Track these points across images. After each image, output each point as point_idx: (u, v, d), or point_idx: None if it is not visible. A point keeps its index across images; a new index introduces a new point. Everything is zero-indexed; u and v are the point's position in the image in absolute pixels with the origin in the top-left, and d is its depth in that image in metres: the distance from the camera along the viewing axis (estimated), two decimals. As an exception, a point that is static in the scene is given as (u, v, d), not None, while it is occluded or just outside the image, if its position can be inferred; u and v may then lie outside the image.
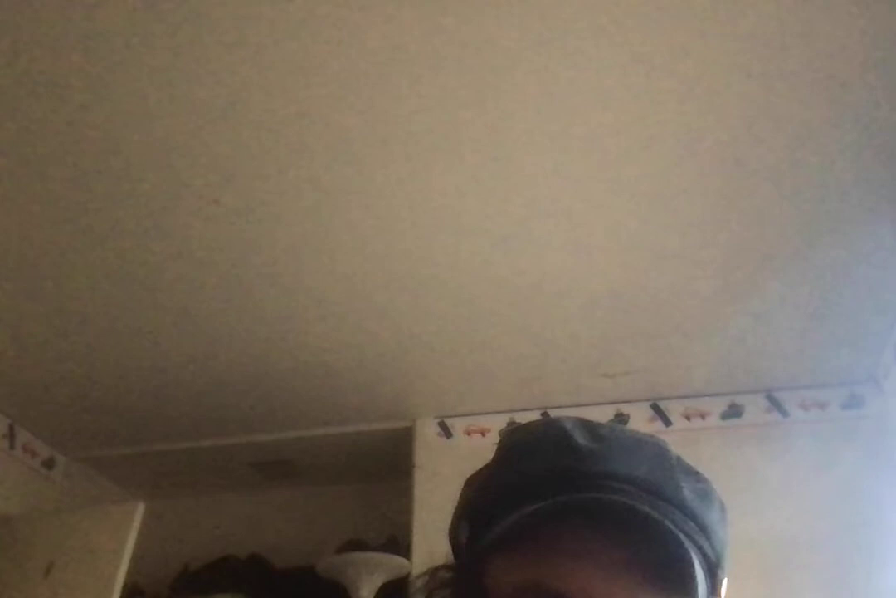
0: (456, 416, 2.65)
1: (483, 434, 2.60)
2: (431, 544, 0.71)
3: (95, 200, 1.84)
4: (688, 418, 2.54)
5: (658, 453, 0.59)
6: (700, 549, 0.55)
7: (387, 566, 2.40)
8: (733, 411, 2.52)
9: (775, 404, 2.51)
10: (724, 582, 0.59)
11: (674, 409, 2.55)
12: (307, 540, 2.74)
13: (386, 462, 2.79)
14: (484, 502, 0.59)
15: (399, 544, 2.51)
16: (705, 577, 0.54)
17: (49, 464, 2.79)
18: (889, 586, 2.09)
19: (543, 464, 0.58)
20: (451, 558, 0.62)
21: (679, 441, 0.66)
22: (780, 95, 1.59)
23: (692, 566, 0.52)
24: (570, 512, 0.53)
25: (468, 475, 0.64)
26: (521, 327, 2.27)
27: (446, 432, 2.64)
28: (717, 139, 1.69)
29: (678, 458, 0.60)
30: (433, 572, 0.64)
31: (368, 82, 1.57)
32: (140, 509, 2.37)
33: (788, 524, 2.19)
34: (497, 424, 2.60)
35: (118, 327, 2.25)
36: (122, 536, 2.30)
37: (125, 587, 2.28)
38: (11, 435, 2.63)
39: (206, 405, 2.60)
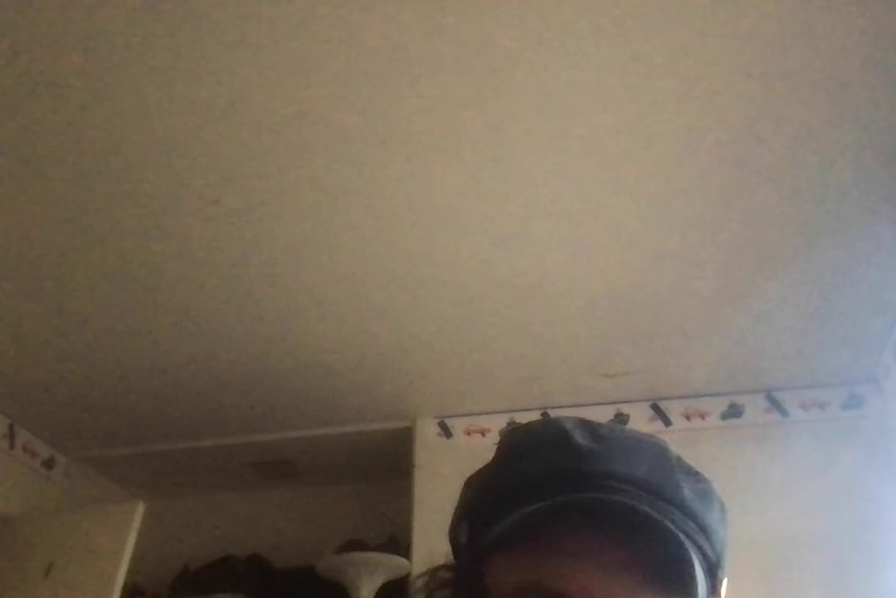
0: (456, 416, 2.65)
1: (483, 434, 2.60)
2: (431, 544, 0.70)
3: (95, 200, 1.84)
4: (688, 418, 2.53)
5: (658, 453, 0.59)
6: (700, 549, 0.55)
7: (387, 566, 2.40)
8: (733, 411, 2.52)
9: (775, 404, 2.51)
10: (724, 582, 0.59)
11: (674, 409, 2.55)
12: (307, 540, 2.74)
13: (386, 462, 2.79)
14: (484, 502, 0.59)
15: (399, 544, 2.51)
16: (705, 577, 0.54)
17: (49, 464, 2.79)
18: (889, 586, 2.09)
19: (543, 464, 0.58)
20: (451, 558, 0.62)
21: (679, 441, 0.66)
22: (780, 95, 1.59)
23: (692, 566, 0.52)
24: (571, 512, 0.53)
25: (468, 475, 0.64)
26: (521, 327, 2.27)
27: (446, 432, 2.64)
28: (717, 139, 1.69)
29: (678, 458, 0.60)
30: (433, 572, 0.64)
31: (368, 82, 1.57)
32: (140, 509, 2.37)
33: (788, 524, 2.18)
34: (497, 424, 2.60)
35: (118, 327, 2.25)
36: (122, 536, 2.30)
37: (125, 587, 2.28)
38: (11, 435, 2.63)
39: (206, 405, 2.60)
